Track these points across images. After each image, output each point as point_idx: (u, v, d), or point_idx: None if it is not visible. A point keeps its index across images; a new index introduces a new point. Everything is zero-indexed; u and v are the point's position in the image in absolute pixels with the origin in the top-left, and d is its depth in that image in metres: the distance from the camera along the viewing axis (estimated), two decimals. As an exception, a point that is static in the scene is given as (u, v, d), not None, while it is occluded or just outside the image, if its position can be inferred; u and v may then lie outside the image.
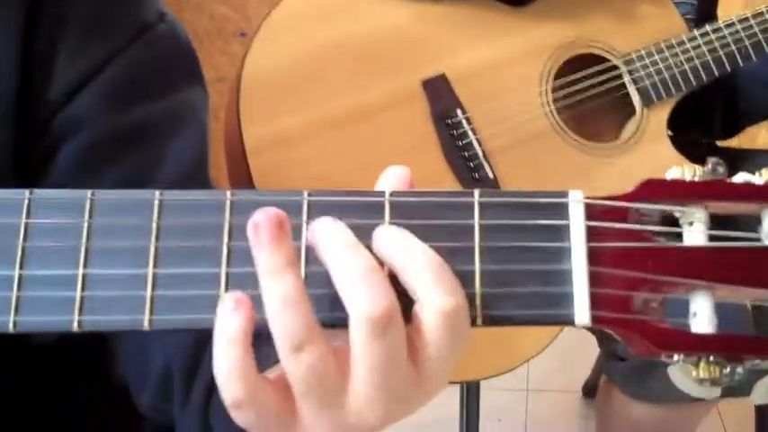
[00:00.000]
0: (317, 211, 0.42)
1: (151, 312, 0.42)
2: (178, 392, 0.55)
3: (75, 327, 0.42)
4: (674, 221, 0.43)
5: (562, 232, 0.42)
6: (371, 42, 1.08)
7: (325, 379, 0.39)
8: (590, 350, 1.68)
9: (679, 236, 0.43)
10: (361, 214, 0.42)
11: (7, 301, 0.42)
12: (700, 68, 1.16)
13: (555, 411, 1.89)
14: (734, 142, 1.40)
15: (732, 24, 1.17)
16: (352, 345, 0.39)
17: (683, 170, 0.43)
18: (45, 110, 0.60)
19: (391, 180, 0.43)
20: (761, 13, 1.17)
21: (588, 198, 0.42)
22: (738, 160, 1.28)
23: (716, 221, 0.43)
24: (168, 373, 0.56)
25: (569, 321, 0.41)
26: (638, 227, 0.42)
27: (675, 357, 0.41)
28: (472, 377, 1.10)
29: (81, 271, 0.42)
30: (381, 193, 0.43)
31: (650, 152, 1.14)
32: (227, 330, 0.39)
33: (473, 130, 1.07)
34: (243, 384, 0.38)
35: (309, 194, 0.43)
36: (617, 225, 0.42)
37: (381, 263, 0.41)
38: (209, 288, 0.42)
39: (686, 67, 1.16)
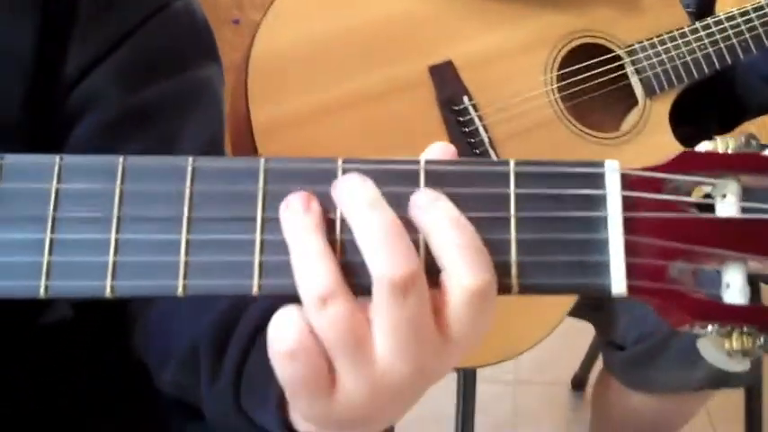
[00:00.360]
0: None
1: (185, 277, 0.41)
2: (206, 369, 0.54)
3: (107, 292, 0.41)
4: (706, 194, 0.44)
5: (598, 202, 0.42)
6: (379, 27, 1.08)
7: (353, 332, 0.39)
8: (578, 343, 1.70)
9: (711, 208, 0.43)
10: (396, 182, 0.42)
11: (38, 266, 0.42)
12: (702, 60, 1.17)
13: (543, 403, 1.89)
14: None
15: (733, 17, 1.18)
16: (374, 304, 0.39)
17: (717, 142, 0.43)
18: (60, 87, 0.60)
19: (435, 155, 0.43)
20: (761, 7, 1.18)
21: (625, 168, 0.42)
22: None
23: (748, 194, 0.43)
24: (194, 349, 0.55)
25: (605, 291, 0.41)
26: (672, 197, 0.42)
27: (709, 328, 0.41)
28: (466, 364, 1.10)
29: (113, 236, 0.42)
30: (416, 161, 0.42)
31: (653, 143, 1.14)
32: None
33: (479, 116, 1.07)
34: (298, 334, 0.39)
35: (344, 162, 0.42)
36: (652, 195, 0.42)
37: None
38: (242, 254, 0.42)
39: (688, 58, 1.17)
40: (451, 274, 0.39)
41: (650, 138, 1.14)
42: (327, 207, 0.41)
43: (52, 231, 0.42)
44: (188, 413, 0.62)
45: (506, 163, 0.42)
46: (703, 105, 1.29)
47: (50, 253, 0.42)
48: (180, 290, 0.41)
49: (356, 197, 0.40)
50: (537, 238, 0.41)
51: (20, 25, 0.57)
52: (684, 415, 1.17)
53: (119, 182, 0.43)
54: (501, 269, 0.41)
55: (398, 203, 0.41)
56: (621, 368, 1.10)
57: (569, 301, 1.02)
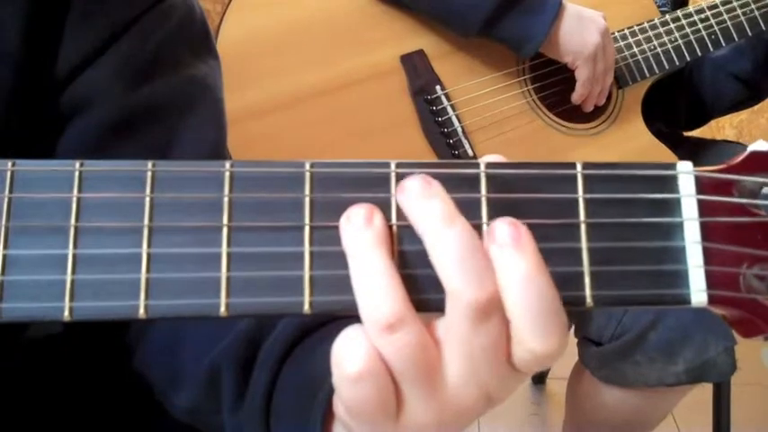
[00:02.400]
0: (406, 183, 0.39)
1: (228, 295, 0.37)
2: (228, 394, 0.50)
3: (141, 312, 0.37)
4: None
5: (672, 206, 0.39)
6: (348, 15, 1.04)
7: (422, 361, 0.36)
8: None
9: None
10: (456, 187, 0.38)
11: (61, 286, 0.37)
12: (672, 52, 1.17)
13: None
14: (700, 134, 1.42)
15: (702, 11, 1.18)
16: (449, 328, 0.36)
17: (782, 142, 0.41)
18: (51, 85, 0.55)
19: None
20: (728, 1, 1.18)
21: (698, 169, 0.40)
22: (702, 151, 1.30)
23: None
24: (214, 373, 0.51)
25: (684, 301, 0.38)
26: (745, 200, 0.40)
27: (783, 338, 0.39)
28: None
29: (145, 249, 0.38)
30: (476, 164, 0.39)
31: (624, 134, 1.14)
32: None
33: (452, 106, 1.05)
34: (366, 356, 0.35)
35: (397, 166, 0.39)
36: (726, 199, 0.40)
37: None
38: (290, 268, 0.38)
39: (659, 50, 1.16)
40: (519, 334, 0.36)
41: (622, 128, 1.14)
42: (383, 215, 0.38)
43: (75, 246, 0.38)
44: None
45: (573, 166, 0.39)
46: (671, 103, 1.29)
47: (74, 270, 0.37)
48: (222, 309, 0.37)
49: (430, 210, 0.36)
50: (609, 246, 0.39)
51: (6, 13, 0.52)
52: (658, 411, 1.16)
53: (148, 190, 0.38)
54: (572, 280, 0.38)
55: (461, 212, 0.37)
56: (597, 363, 1.09)
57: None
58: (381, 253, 0.36)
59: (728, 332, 1.03)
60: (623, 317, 1.05)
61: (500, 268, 0.36)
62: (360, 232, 0.36)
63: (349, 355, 0.36)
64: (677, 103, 1.30)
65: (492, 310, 0.35)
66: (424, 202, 0.36)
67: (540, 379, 1.88)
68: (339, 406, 0.39)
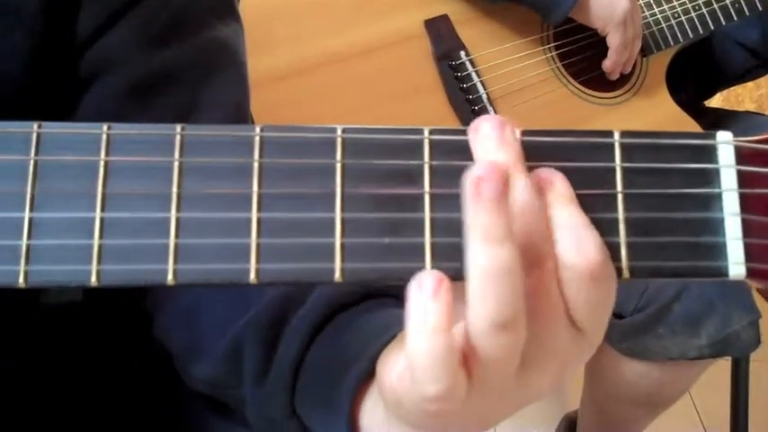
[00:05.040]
0: (440, 151, 0.38)
1: (257, 260, 0.37)
2: (251, 369, 0.49)
3: (170, 278, 0.37)
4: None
5: (711, 177, 0.38)
6: (372, -21, 1.03)
7: (511, 364, 0.35)
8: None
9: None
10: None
11: (88, 250, 0.37)
12: (696, 20, 1.15)
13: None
14: (718, 104, 1.40)
15: None
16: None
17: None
18: (71, 47, 0.54)
19: None
20: None
21: (738, 139, 0.39)
22: (725, 121, 1.28)
23: None
24: (237, 348, 0.50)
25: (722, 274, 0.37)
26: (785, 172, 0.39)
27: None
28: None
29: (174, 214, 0.37)
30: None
31: (649, 103, 1.12)
32: (428, 321, 0.33)
33: (477, 72, 1.03)
34: (449, 375, 0.33)
35: (431, 132, 0.38)
36: (765, 170, 0.39)
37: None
38: (321, 235, 0.37)
39: (683, 18, 1.15)
40: (563, 258, 0.35)
41: (647, 97, 1.12)
42: (414, 182, 0.37)
43: (102, 210, 0.37)
44: (213, 407, 0.58)
45: (610, 134, 0.38)
46: (680, 73, 1.28)
47: (101, 235, 0.37)
48: (252, 276, 0.37)
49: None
50: (646, 217, 0.38)
51: None
52: (679, 385, 1.15)
53: (177, 154, 0.38)
54: (609, 251, 0.37)
55: None
56: (619, 336, 1.08)
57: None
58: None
59: (753, 305, 1.02)
60: (646, 289, 1.04)
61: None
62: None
63: (433, 374, 0.33)
64: (686, 75, 1.28)
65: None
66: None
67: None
68: (392, 408, 0.38)
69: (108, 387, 0.61)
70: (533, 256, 0.34)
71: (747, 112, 1.39)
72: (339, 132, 0.38)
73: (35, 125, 0.38)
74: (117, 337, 0.63)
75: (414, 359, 0.33)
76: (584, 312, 0.36)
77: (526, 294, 0.33)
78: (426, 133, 0.38)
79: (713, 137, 0.39)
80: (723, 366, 1.26)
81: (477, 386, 0.35)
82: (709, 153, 0.39)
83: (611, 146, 0.38)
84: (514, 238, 0.33)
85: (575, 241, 0.35)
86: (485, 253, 0.33)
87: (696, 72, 1.31)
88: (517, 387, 0.36)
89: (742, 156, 0.39)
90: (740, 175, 0.38)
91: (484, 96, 1.03)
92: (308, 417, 0.47)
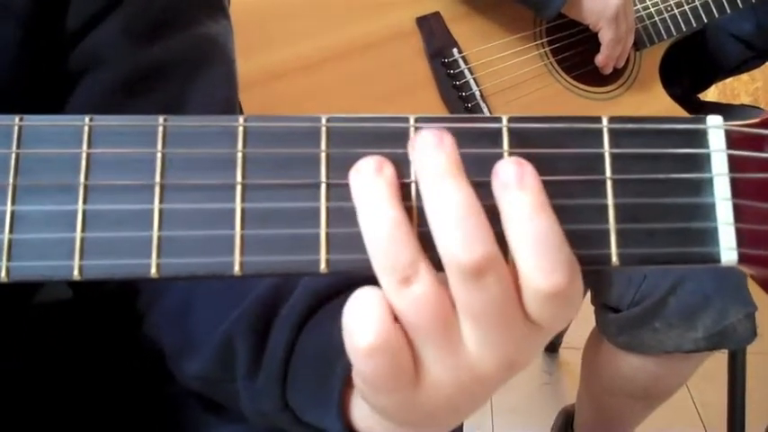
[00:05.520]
0: (425, 139, 0.37)
1: (242, 253, 0.36)
2: (243, 363, 0.49)
3: (153, 271, 0.36)
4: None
5: (701, 162, 0.38)
6: (363, -23, 1.02)
7: (439, 316, 0.34)
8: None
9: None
10: (476, 142, 0.37)
11: (70, 244, 0.36)
12: (689, 13, 1.15)
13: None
14: (714, 98, 1.40)
15: None
16: (450, 288, 0.35)
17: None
18: (61, 40, 0.54)
19: None
20: None
21: (728, 124, 0.38)
22: (720, 115, 1.28)
23: None
24: (228, 342, 0.50)
25: (714, 260, 0.37)
26: (776, 156, 0.38)
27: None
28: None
29: (157, 206, 0.37)
30: (498, 119, 0.38)
31: (643, 97, 1.12)
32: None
33: (469, 69, 1.03)
34: (378, 323, 0.34)
35: (416, 120, 0.38)
36: (757, 154, 0.38)
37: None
38: (306, 226, 0.37)
39: (676, 12, 1.14)
40: (524, 273, 0.34)
41: (640, 92, 1.12)
42: (401, 171, 0.37)
43: (84, 202, 0.37)
44: (206, 406, 0.57)
45: (598, 120, 0.38)
46: (674, 67, 1.27)
47: (84, 228, 0.36)
48: (237, 268, 0.36)
49: (432, 163, 0.35)
50: (636, 203, 0.37)
51: None
52: (675, 379, 1.15)
53: (159, 145, 0.37)
54: (597, 238, 0.37)
55: (479, 167, 0.36)
56: (616, 330, 1.08)
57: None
58: (393, 203, 0.35)
59: (749, 298, 1.01)
60: (642, 283, 1.03)
61: (504, 207, 0.35)
62: (370, 181, 0.35)
63: (361, 325, 0.34)
64: (680, 68, 1.28)
65: (486, 269, 0.33)
66: (430, 155, 0.35)
67: (552, 348, 1.86)
68: (356, 376, 0.38)
69: (100, 386, 0.61)
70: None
71: (743, 106, 1.39)
72: (323, 122, 0.38)
73: (17, 118, 0.37)
74: (109, 337, 0.62)
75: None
76: (544, 318, 0.35)
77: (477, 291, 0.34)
78: (412, 121, 0.38)
79: (703, 121, 0.38)
80: (720, 359, 1.26)
81: (423, 363, 0.35)
82: (700, 138, 0.38)
83: (600, 132, 0.38)
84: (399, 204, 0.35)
85: (540, 262, 0.34)
86: (370, 217, 0.35)
87: (690, 65, 1.30)
88: (470, 372, 0.35)
89: (732, 140, 0.38)
90: (731, 159, 0.38)
91: (477, 93, 1.02)
92: (300, 408, 0.47)
